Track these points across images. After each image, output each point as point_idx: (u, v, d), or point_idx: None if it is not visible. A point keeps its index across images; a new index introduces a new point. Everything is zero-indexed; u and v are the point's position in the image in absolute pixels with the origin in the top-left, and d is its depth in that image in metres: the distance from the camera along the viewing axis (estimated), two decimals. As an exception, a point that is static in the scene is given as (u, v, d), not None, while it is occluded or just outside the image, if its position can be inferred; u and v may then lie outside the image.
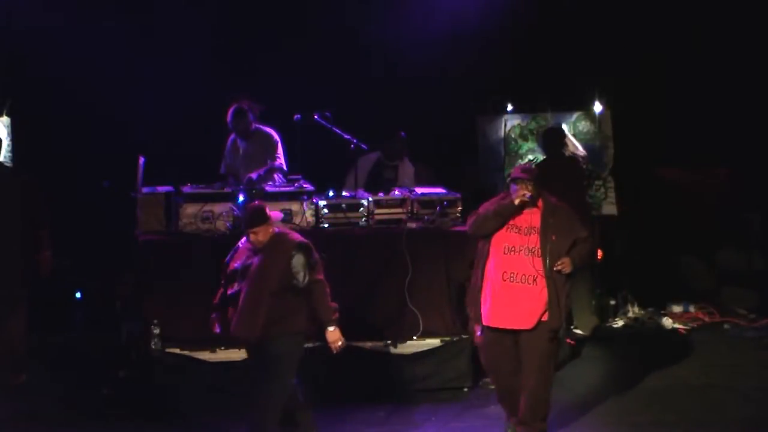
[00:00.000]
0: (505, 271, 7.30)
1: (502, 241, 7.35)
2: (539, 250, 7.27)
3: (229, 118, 9.82)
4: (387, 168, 10.18)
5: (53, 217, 9.26)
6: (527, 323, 7.27)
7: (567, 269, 7.27)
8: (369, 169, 10.10)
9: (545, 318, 7.26)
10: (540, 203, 7.38)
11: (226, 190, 9.25)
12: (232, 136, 10.02)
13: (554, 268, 7.23)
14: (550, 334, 7.30)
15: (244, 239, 7.39)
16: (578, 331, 10.26)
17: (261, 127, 9.95)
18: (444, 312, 8.96)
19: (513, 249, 7.31)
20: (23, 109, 10.50)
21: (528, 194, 7.26)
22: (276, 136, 9.93)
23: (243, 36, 11.26)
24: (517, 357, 7.39)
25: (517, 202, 7.29)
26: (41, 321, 9.95)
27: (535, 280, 7.26)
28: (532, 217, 7.34)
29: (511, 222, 7.35)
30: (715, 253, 11.73)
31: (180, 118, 10.82)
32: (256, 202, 7.79)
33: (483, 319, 7.36)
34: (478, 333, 7.49)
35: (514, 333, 7.33)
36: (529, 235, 7.31)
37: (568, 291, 7.44)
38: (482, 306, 7.36)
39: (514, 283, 7.28)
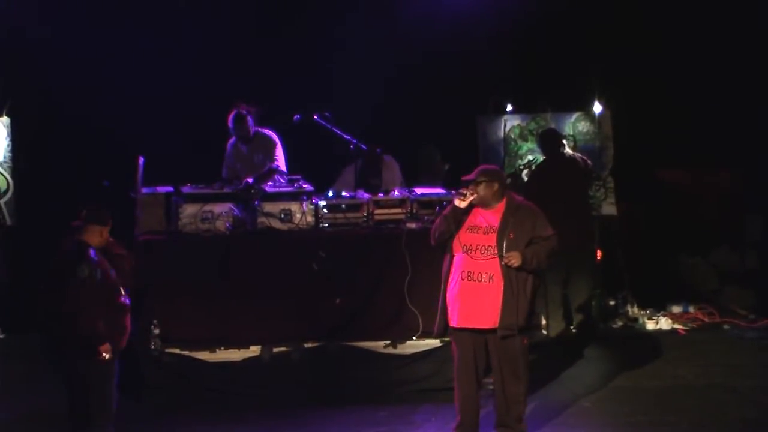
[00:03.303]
0: (464, 270, 7.30)
1: (461, 242, 7.35)
2: (495, 248, 7.27)
3: (230, 124, 9.84)
4: (371, 175, 10.15)
5: (52, 218, 9.22)
6: (490, 321, 7.25)
7: (514, 262, 7.17)
8: (356, 175, 10.08)
9: (501, 315, 7.22)
10: (504, 203, 7.38)
11: (226, 190, 9.26)
12: (233, 139, 10.02)
13: (502, 262, 7.20)
14: (508, 332, 7.22)
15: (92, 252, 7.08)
16: (544, 332, 10.17)
17: (260, 129, 9.96)
18: (444, 312, 8.94)
19: (470, 248, 7.31)
20: (23, 109, 10.50)
21: (469, 194, 7.25)
22: (275, 138, 9.93)
23: (243, 36, 11.25)
24: (486, 360, 7.39)
25: (457, 203, 7.29)
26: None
27: (491, 277, 7.25)
28: (493, 217, 7.34)
29: (470, 224, 7.35)
30: (715, 254, 11.72)
31: (180, 118, 10.82)
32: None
33: (450, 321, 7.35)
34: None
35: (483, 334, 7.32)
36: (488, 234, 7.30)
37: (533, 289, 7.34)
38: (449, 311, 7.36)
39: (473, 282, 7.27)
